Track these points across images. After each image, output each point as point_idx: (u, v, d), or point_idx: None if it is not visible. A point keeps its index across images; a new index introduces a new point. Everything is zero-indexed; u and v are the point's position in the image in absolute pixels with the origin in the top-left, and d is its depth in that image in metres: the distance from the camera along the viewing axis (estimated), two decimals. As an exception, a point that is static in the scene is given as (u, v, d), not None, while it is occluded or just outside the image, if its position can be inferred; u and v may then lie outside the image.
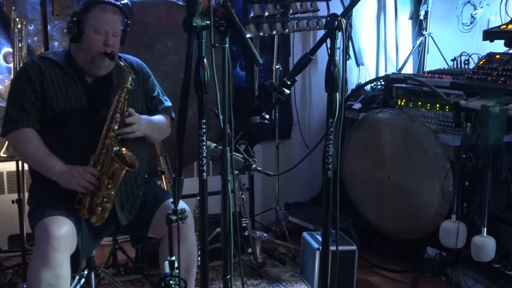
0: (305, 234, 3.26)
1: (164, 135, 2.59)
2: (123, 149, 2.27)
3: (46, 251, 2.04)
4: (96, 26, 2.28)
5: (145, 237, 2.47)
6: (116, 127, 2.25)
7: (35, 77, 2.27)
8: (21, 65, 2.98)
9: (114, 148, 2.24)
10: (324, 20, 3.65)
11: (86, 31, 2.28)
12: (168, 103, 2.59)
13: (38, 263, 2.05)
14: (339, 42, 1.90)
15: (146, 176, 2.53)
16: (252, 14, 3.46)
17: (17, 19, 3.05)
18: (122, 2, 3.09)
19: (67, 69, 2.32)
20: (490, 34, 3.12)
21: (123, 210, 2.36)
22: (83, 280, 2.44)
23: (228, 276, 1.83)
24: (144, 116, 2.40)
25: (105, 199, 2.24)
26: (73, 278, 2.45)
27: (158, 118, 2.51)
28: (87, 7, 2.30)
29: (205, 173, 1.75)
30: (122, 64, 2.31)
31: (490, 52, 3.12)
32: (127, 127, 2.27)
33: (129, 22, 2.44)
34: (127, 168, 2.23)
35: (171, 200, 2.32)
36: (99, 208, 2.24)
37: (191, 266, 2.37)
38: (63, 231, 2.09)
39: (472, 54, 3.46)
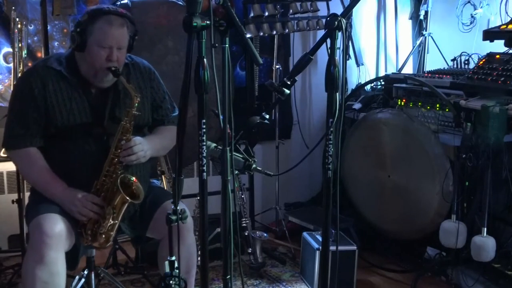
0: (305, 234, 3.26)
1: (169, 149, 2.52)
2: (133, 178, 2.23)
3: (39, 249, 2.03)
4: (100, 41, 2.15)
5: (145, 237, 2.47)
6: (117, 160, 2.19)
7: (38, 91, 2.18)
8: (21, 67, 2.97)
9: (120, 178, 2.18)
10: (324, 20, 3.65)
11: (90, 44, 2.16)
12: (176, 112, 2.50)
13: (32, 261, 2.05)
14: (339, 42, 1.89)
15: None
16: (252, 14, 3.46)
17: (17, 19, 3.04)
18: (122, 2, 3.09)
19: (71, 80, 2.22)
20: (490, 34, 3.12)
21: (124, 223, 2.35)
22: (83, 280, 2.44)
23: (228, 276, 1.83)
24: (148, 140, 2.33)
25: (109, 228, 2.21)
26: (73, 278, 2.46)
27: (164, 136, 2.43)
28: (92, 18, 2.16)
29: (205, 173, 1.75)
30: (129, 85, 2.20)
31: (490, 52, 3.12)
32: (131, 155, 2.20)
33: (137, 30, 2.32)
34: (130, 200, 2.18)
35: (171, 201, 2.32)
36: (103, 236, 2.21)
37: (190, 267, 2.36)
38: (57, 229, 2.08)
39: (472, 54, 3.47)
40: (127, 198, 2.16)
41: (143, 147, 2.25)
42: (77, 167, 2.23)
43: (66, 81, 2.22)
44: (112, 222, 2.20)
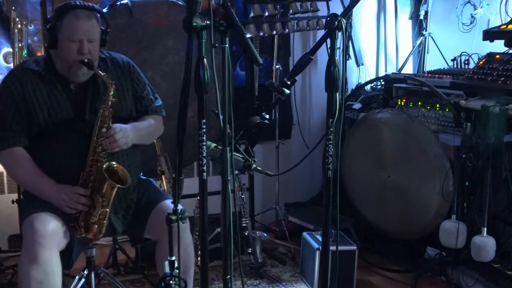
0: (305, 234, 3.26)
1: (155, 137, 2.58)
2: (114, 163, 2.24)
3: (32, 248, 2.04)
4: (69, 35, 2.18)
5: (143, 238, 2.46)
6: (100, 149, 2.21)
7: (17, 93, 2.20)
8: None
9: (104, 165, 2.20)
10: (324, 20, 3.65)
11: (60, 40, 2.19)
12: (158, 102, 2.52)
13: (26, 261, 2.05)
14: (339, 42, 1.89)
15: (142, 175, 2.53)
16: (252, 14, 3.46)
17: (17, 19, 3.05)
18: (122, 2, 3.09)
19: (49, 78, 2.25)
20: (490, 34, 3.12)
21: (117, 216, 2.35)
22: (83, 280, 2.43)
23: (228, 276, 1.83)
24: (130, 126, 2.33)
25: (101, 216, 2.22)
26: (73, 278, 2.46)
27: (147, 122, 2.45)
28: (60, 14, 2.20)
29: (205, 173, 1.75)
30: (102, 74, 2.22)
31: (490, 52, 3.12)
32: (112, 143, 2.21)
33: (108, 23, 2.33)
34: (118, 186, 2.20)
35: (166, 201, 2.33)
36: (96, 226, 2.22)
37: (188, 267, 2.35)
38: (50, 228, 2.08)
39: (472, 54, 3.47)
40: (114, 183, 2.18)
41: (124, 134, 2.26)
42: (63, 163, 2.25)
43: (44, 80, 2.25)
44: (102, 210, 2.21)
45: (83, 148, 2.23)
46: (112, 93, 2.22)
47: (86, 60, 2.18)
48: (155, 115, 2.50)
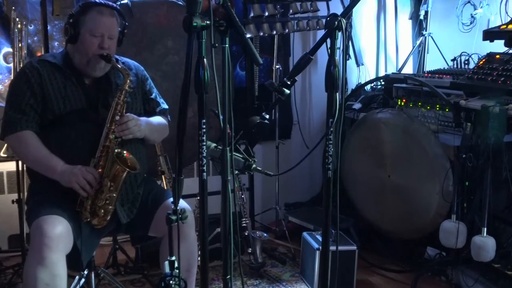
0: (305, 234, 3.26)
1: (163, 136, 2.62)
2: (124, 152, 2.30)
3: (40, 250, 2.04)
4: (92, 29, 2.28)
5: (146, 237, 2.48)
6: (113, 136, 2.27)
7: (34, 80, 2.27)
8: (21, 66, 2.99)
9: (116, 151, 2.26)
10: (324, 20, 3.65)
11: (82, 33, 2.29)
12: (165, 106, 2.61)
13: (34, 263, 2.05)
14: (339, 42, 1.89)
15: (145, 175, 2.55)
16: (252, 14, 3.46)
17: (17, 19, 3.05)
18: (122, 2, 3.09)
19: (65, 71, 2.33)
20: (490, 34, 3.12)
21: (123, 208, 2.37)
22: (83, 280, 2.44)
23: (228, 276, 1.83)
24: (143, 118, 2.42)
25: (107, 201, 2.25)
26: (73, 278, 2.46)
27: (157, 119, 2.53)
28: (84, 9, 2.30)
29: (205, 173, 1.75)
30: (120, 66, 2.33)
31: (490, 52, 3.12)
32: (125, 130, 2.28)
33: (126, 24, 2.45)
34: (128, 170, 2.24)
35: (172, 199, 2.34)
36: (102, 211, 2.25)
37: (191, 265, 2.38)
38: (58, 231, 2.09)
39: (472, 54, 3.47)
40: (124, 167, 2.23)
41: (137, 122, 2.34)
42: (74, 149, 2.28)
43: (60, 72, 2.33)
44: (110, 194, 2.25)
45: (94, 136, 2.29)
46: (128, 85, 2.31)
47: (105, 54, 2.28)
48: (163, 116, 2.58)
